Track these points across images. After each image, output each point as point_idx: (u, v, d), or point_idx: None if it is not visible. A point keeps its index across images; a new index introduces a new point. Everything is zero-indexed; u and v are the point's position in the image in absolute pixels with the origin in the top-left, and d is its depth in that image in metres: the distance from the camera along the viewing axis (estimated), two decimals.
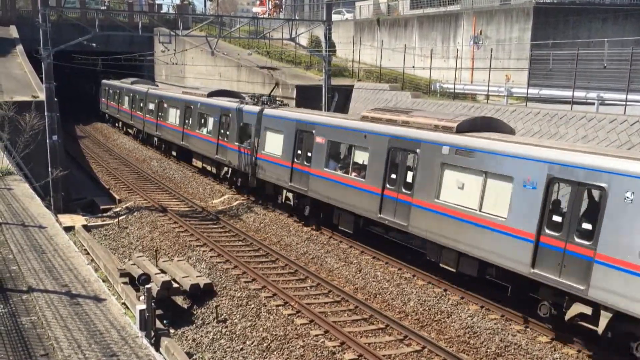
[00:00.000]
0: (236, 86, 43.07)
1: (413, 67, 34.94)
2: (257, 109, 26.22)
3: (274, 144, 24.63)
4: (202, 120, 31.85)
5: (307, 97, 34.79)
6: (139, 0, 70.01)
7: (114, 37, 46.44)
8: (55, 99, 26.08)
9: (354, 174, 20.26)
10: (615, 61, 26.21)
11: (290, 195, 23.91)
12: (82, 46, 30.09)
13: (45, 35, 25.06)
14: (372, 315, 15.66)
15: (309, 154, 22.39)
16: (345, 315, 15.86)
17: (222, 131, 29.00)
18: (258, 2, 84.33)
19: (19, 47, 44.17)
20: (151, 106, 39.92)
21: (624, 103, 22.82)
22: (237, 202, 27.31)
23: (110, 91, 51.67)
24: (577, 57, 24.37)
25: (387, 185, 18.70)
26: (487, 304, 16.13)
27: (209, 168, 31.32)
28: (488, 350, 13.99)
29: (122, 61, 41.61)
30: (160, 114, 38.11)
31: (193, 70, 49.47)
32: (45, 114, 25.36)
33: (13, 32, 49.13)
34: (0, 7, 53.85)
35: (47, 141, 25.51)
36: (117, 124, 51.11)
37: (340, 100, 35.48)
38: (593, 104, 24.62)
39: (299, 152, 22.99)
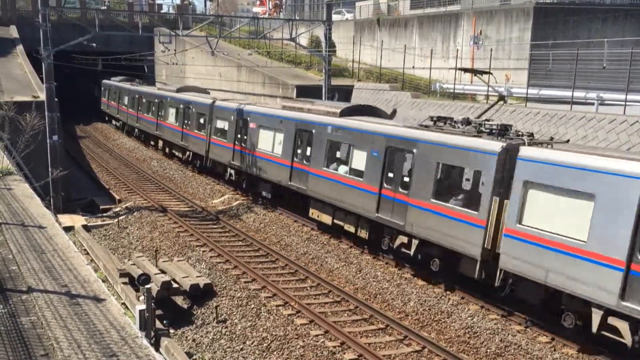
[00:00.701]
0: (236, 86, 43.15)
1: (413, 67, 34.95)
2: (494, 145, 15.38)
3: (555, 214, 13.96)
4: (339, 154, 21.94)
5: (307, 97, 34.79)
6: (139, 0, 69.97)
7: (114, 37, 46.48)
8: (56, 99, 26.11)
9: None
10: (615, 61, 26.17)
11: (626, 327, 12.55)
12: (82, 46, 30.11)
13: (46, 35, 25.07)
14: (372, 316, 15.67)
15: None
16: (346, 315, 15.87)
17: (391, 176, 18.95)
18: (258, 2, 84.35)
19: (19, 47, 44.20)
20: (221, 124, 30.24)
21: (623, 103, 22.82)
22: (237, 202, 27.31)
23: (144, 100, 42.66)
24: (576, 57, 24.36)
25: None
26: (487, 303, 16.14)
27: (349, 228, 20.95)
28: (488, 350, 14.00)
29: (123, 61, 41.52)
30: (239, 136, 28.20)
31: (193, 70, 49.54)
32: (46, 114, 25.40)
33: (13, 32, 49.15)
34: (0, 7, 53.88)
35: (47, 141, 25.53)
36: (152, 143, 42.13)
37: (340, 100, 35.47)
38: (593, 104, 24.62)
39: None
